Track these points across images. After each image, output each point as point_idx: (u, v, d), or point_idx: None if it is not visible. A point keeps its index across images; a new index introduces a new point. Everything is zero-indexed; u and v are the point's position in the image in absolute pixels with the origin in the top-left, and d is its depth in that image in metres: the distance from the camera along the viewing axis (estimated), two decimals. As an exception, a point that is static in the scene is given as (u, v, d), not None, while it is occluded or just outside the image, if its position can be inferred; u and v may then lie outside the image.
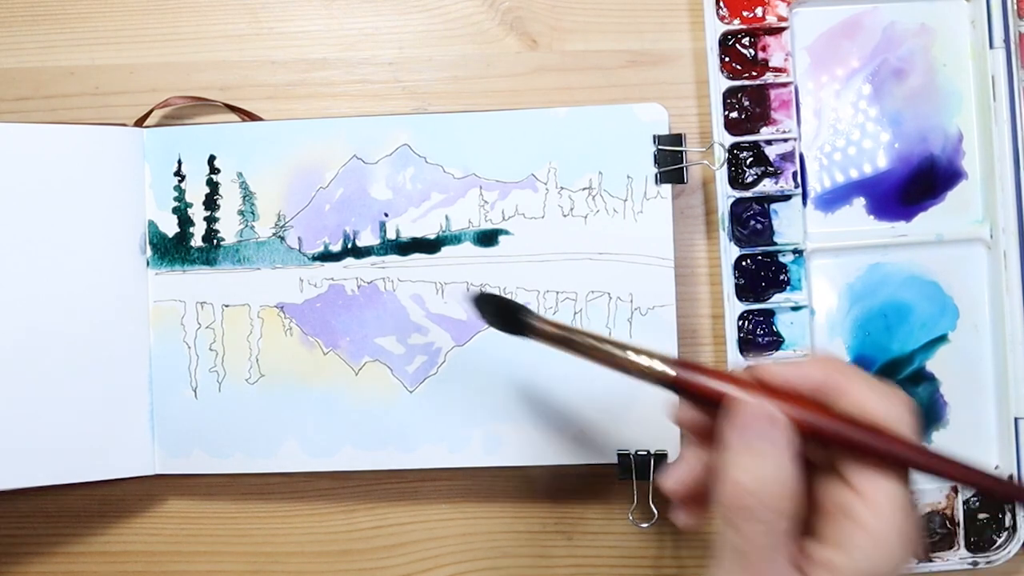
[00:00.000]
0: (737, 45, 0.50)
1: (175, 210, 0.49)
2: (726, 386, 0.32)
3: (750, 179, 0.49)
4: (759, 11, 0.49)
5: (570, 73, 0.51)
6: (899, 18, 0.51)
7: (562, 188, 0.47)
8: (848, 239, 0.50)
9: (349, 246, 0.48)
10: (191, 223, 0.48)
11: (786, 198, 0.49)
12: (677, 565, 0.50)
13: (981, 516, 0.49)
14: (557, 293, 0.47)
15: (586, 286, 0.47)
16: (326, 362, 0.48)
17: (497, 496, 0.50)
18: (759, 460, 0.31)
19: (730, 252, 0.49)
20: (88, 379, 0.47)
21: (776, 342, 0.49)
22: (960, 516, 0.49)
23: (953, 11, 0.50)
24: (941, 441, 0.50)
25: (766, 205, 0.49)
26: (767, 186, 0.49)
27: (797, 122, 0.50)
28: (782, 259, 0.49)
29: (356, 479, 0.51)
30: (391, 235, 0.48)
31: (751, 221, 0.49)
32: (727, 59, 0.50)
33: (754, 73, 0.49)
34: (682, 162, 0.46)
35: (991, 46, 0.49)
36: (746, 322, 0.49)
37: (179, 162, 0.48)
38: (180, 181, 0.48)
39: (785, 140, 0.49)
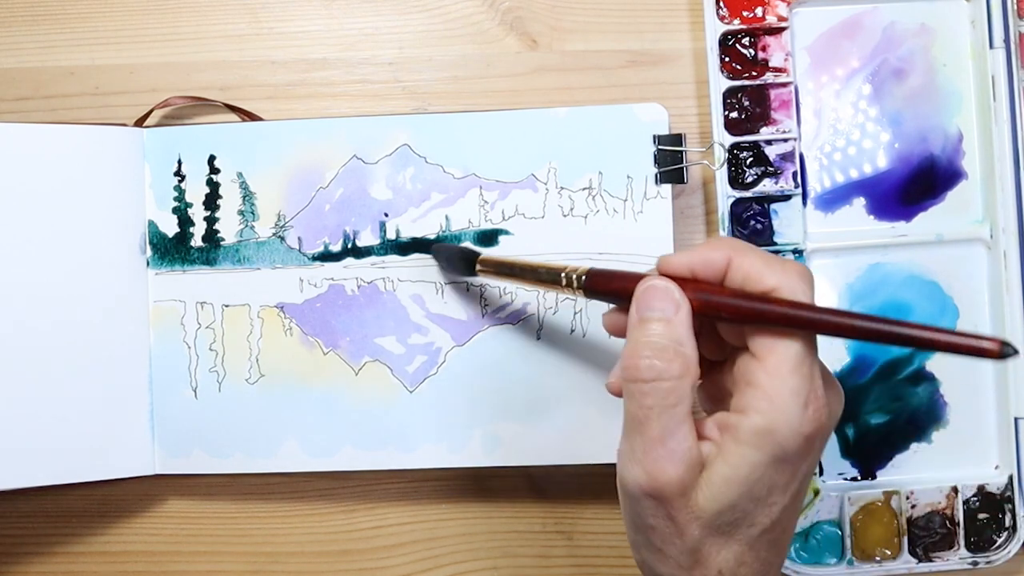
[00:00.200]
0: (737, 45, 0.50)
1: (175, 210, 0.49)
2: (635, 278, 0.34)
3: (750, 179, 0.49)
4: (759, 11, 0.49)
5: (570, 73, 0.51)
6: (899, 18, 0.51)
7: (562, 188, 0.47)
8: (848, 239, 0.50)
9: (349, 246, 0.48)
10: (191, 223, 0.48)
11: (786, 198, 0.49)
12: (677, 565, 0.50)
13: (981, 516, 0.49)
14: (557, 293, 0.47)
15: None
16: (326, 362, 0.48)
17: (497, 496, 0.50)
18: (651, 329, 0.32)
19: (730, 252, 0.49)
20: (88, 379, 0.47)
21: (776, 342, 0.49)
22: (960, 516, 0.49)
23: (953, 11, 0.50)
24: (941, 441, 0.50)
25: (766, 205, 0.49)
26: (767, 186, 0.49)
27: (797, 122, 0.50)
28: (782, 259, 0.49)
29: (356, 479, 0.51)
30: (391, 235, 0.48)
31: (751, 221, 0.49)
32: (727, 59, 0.50)
33: (754, 73, 0.49)
34: (682, 162, 0.46)
35: (991, 46, 0.49)
36: (746, 322, 0.49)
37: (179, 162, 0.48)
38: (180, 181, 0.48)
39: (785, 140, 0.49)
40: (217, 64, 0.51)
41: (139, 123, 0.50)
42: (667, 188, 0.47)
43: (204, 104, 0.51)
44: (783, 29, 0.49)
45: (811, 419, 0.31)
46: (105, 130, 0.48)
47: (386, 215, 0.48)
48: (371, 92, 0.52)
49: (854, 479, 0.50)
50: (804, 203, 0.50)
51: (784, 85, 0.49)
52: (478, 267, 0.43)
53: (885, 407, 0.50)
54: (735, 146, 0.49)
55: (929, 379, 0.50)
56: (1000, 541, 0.49)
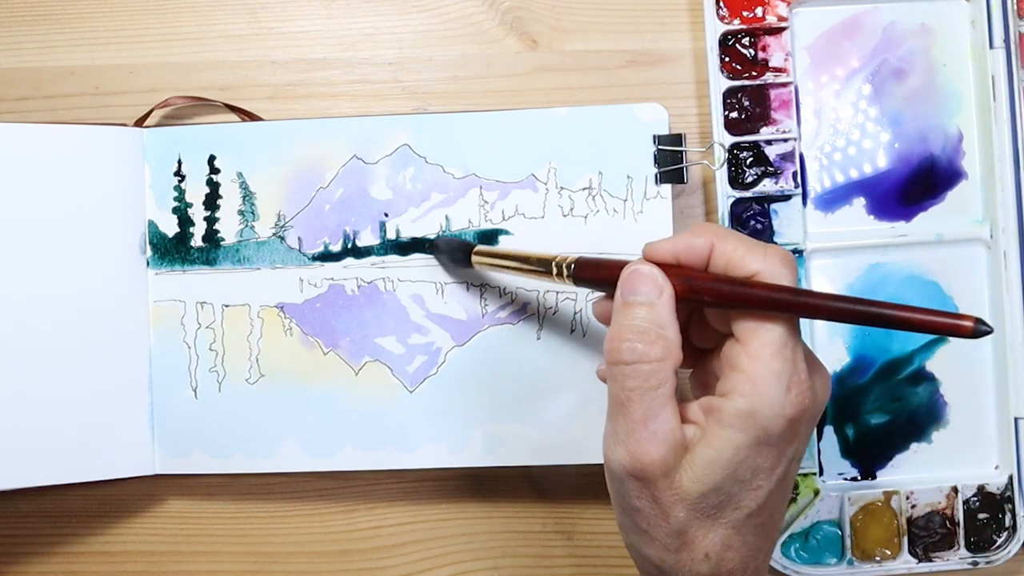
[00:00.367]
0: (737, 45, 0.50)
1: (175, 210, 0.49)
2: (621, 265, 0.35)
3: (750, 179, 0.49)
4: (759, 11, 0.49)
5: (570, 73, 0.51)
6: (899, 18, 0.51)
7: (562, 188, 0.47)
8: (848, 239, 0.50)
9: (349, 246, 0.48)
10: (191, 223, 0.48)
11: (786, 198, 0.49)
12: (677, 565, 0.50)
13: (981, 516, 0.49)
14: (557, 293, 0.47)
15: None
16: (326, 362, 0.48)
17: (497, 496, 0.50)
18: (634, 312, 0.33)
19: (730, 252, 0.49)
20: (88, 379, 0.47)
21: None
22: (960, 516, 0.49)
23: (953, 11, 0.50)
24: (941, 441, 0.50)
25: (766, 205, 0.49)
26: (767, 186, 0.49)
27: (797, 122, 0.50)
28: (782, 259, 0.49)
29: (356, 479, 0.51)
30: (391, 235, 0.48)
31: (751, 221, 0.49)
32: (727, 59, 0.50)
33: (754, 73, 0.49)
34: (682, 162, 0.46)
35: (991, 46, 0.49)
36: (746, 322, 0.49)
37: (179, 162, 0.48)
38: (180, 181, 0.48)
39: (785, 140, 0.49)
40: (217, 64, 0.51)
41: (139, 123, 0.50)
42: (667, 188, 0.47)
43: (204, 104, 0.51)
44: (783, 29, 0.49)
45: (794, 402, 0.32)
46: (105, 130, 0.48)
47: (386, 215, 0.48)
48: (371, 92, 0.52)
49: (854, 479, 0.50)
50: (804, 203, 0.50)
51: (784, 85, 0.49)
52: (474, 258, 0.44)
53: (885, 407, 0.50)
54: (735, 146, 0.49)
55: (929, 379, 0.50)
56: (1000, 541, 0.49)
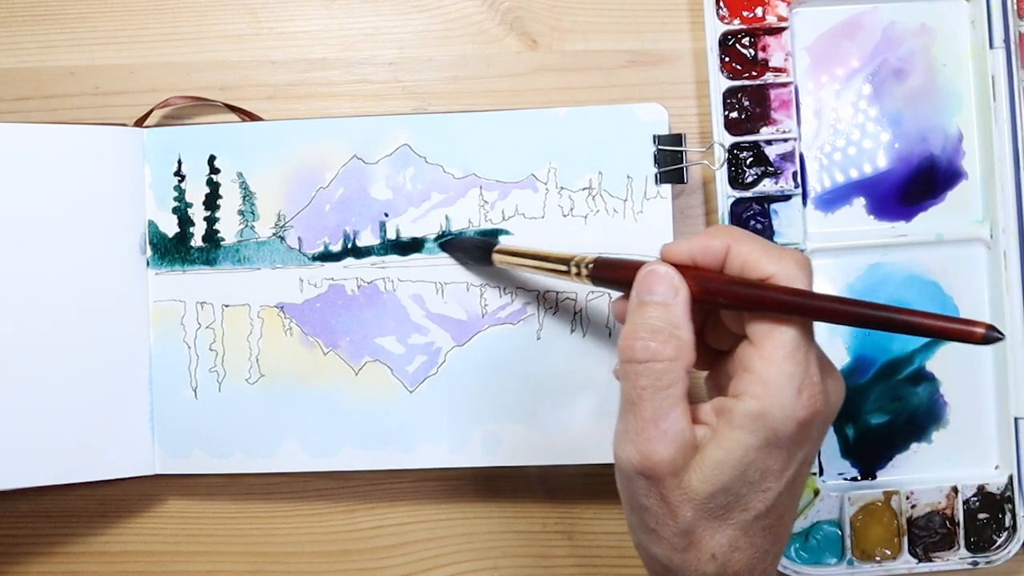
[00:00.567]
0: (737, 45, 0.50)
1: (175, 210, 0.49)
2: (639, 266, 0.35)
3: (750, 179, 0.49)
4: (759, 11, 0.49)
5: (570, 73, 0.51)
6: (899, 18, 0.51)
7: (562, 188, 0.47)
8: (848, 239, 0.50)
9: (349, 246, 0.48)
10: (191, 223, 0.48)
11: (786, 198, 0.49)
12: (677, 565, 0.50)
13: (981, 516, 0.49)
14: (557, 293, 0.47)
15: (586, 286, 0.47)
16: (326, 362, 0.48)
17: (497, 496, 0.50)
18: (649, 312, 0.33)
19: (730, 252, 0.49)
20: (88, 379, 0.47)
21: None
22: (960, 516, 0.49)
23: (953, 11, 0.50)
24: (941, 441, 0.50)
25: (766, 205, 0.49)
26: (767, 186, 0.49)
27: (797, 122, 0.50)
28: (782, 259, 0.49)
29: (356, 479, 0.51)
30: (391, 235, 0.48)
31: (751, 221, 0.49)
32: (727, 59, 0.50)
33: (754, 73, 0.49)
34: (682, 162, 0.46)
35: (991, 46, 0.49)
36: (746, 322, 0.49)
37: (179, 162, 0.48)
38: (180, 181, 0.48)
39: (785, 140, 0.49)
40: (217, 64, 0.51)
41: (139, 123, 0.50)
42: (667, 188, 0.47)
43: (204, 104, 0.51)
44: (783, 29, 0.49)
45: (805, 405, 0.32)
46: (105, 130, 0.48)
47: (386, 215, 0.48)
48: (371, 92, 0.52)
49: (854, 479, 0.50)
50: (804, 203, 0.50)
51: (784, 85, 0.49)
52: (495, 256, 0.44)
53: (885, 407, 0.50)
54: (735, 146, 0.49)
55: (929, 379, 0.50)
56: (1000, 541, 0.49)
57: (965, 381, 0.50)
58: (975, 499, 0.49)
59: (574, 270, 0.39)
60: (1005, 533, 0.49)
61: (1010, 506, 0.49)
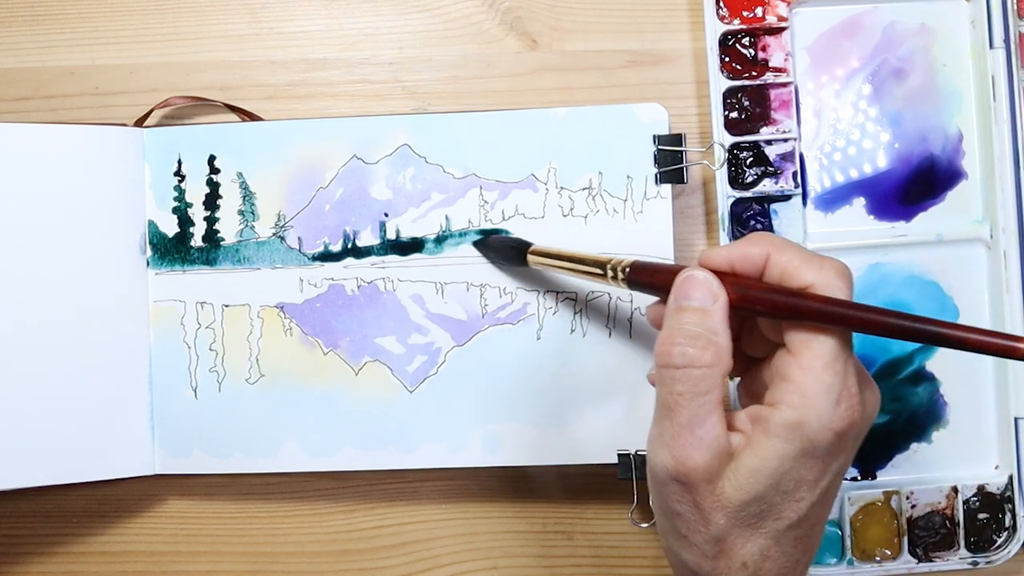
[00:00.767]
0: (737, 45, 0.50)
1: (175, 210, 0.49)
2: (677, 270, 0.35)
3: (750, 179, 0.49)
4: (759, 11, 0.49)
5: (570, 73, 0.51)
6: (899, 18, 0.51)
7: (562, 188, 0.47)
8: (848, 239, 0.50)
9: (349, 246, 0.48)
10: (191, 223, 0.48)
11: (786, 198, 0.49)
12: (677, 565, 0.50)
13: (981, 516, 0.49)
14: (557, 293, 0.47)
15: (586, 286, 0.47)
16: (326, 362, 0.48)
17: (497, 496, 0.50)
18: (686, 317, 0.33)
19: (730, 252, 0.49)
20: (88, 379, 0.47)
21: (776, 342, 0.49)
22: (960, 516, 0.49)
23: (953, 11, 0.50)
24: (941, 441, 0.50)
25: (766, 205, 0.49)
26: (767, 186, 0.49)
27: (797, 122, 0.50)
28: (782, 259, 0.49)
29: (356, 479, 0.51)
30: (391, 235, 0.48)
31: (751, 221, 0.49)
32: (727, 59, 0.50)
33: (754, 73, 0.49)
34: (682, 162, 0.46)
35: (991, 46, 0.49)
36: (746, 322, 0.49)
37: (179, 162, 0.48)
38: (180, 181, 0.48)
39: (785, 140, 0.49)
40: (217, 64, 0.51)
41: (139, 123, 0.50)
42: (667, 188, 0.47)
43: (204, 104, 0.51)
44: (783, 29, 0.49)
45: (843, 416, 0.31)
46: (105, 130, 0.48)
47: (386, 215, 0.48)
48: (371, 92, 0.52)
49: (854, 479, 0.50)
50: (804, 203, 0.50)
51: (784, 85, 0.49)
52: (530, 258, 0.44)
53: (885, 407, 0.50)
54: (735, 146, 0.49)
55: (929, 379, 0.50)
56: (1000, 541, 0.49)
57: (965, 381, 0.50)
58: (975, 499, 0.49)
59: (610, 273, 0.39)
60: (1005, 533, 0.49)
61: (1010, 506, 0.49)
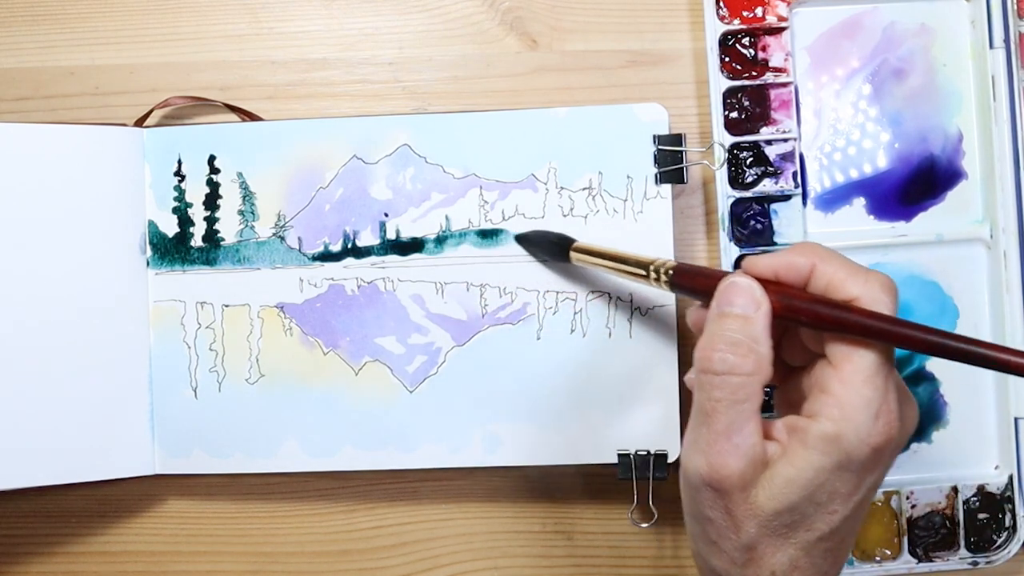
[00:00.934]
0: (737, 45, 0.50)
1: (175, 210, 0.49)
2: (720, 275, 0.34)
3: (750, 179, 0.49)
4: (759, 11, 0.49)
5: (570, 73, 0.51)
6: (899, 18, 0.51)
7: (562, 188, 0.47)
8: (848, 239, 0.50)
9: (349, 246, 0.48)
10: (191, 223, 0.48)
11: (786, 198, 0.49)
12: (677, 565, 0.50)
13: (981, 516, 0.49)
14: (557, 293, 0.47)
15: (586, 286, 0.47)
16: (326, 362, 0.48)
17: (497, 496, 0.50)
18: (728, 324, 0.33)
19: (730, 252, 0.49)
20: (88, 379, 0.47)
21: (776, 342, 0.49)
22: (960, 516, 0.49)
23: (953, 11, 0.50)
24: (941, 441, 0.50)
25: (766, 205, 0.49)
26: (767, 186, 0.49)
27: (797, 122, 0.50)
28: (782, 259, 0.49)
29: (356, 479, 0.51)
30: (391, 235, 0.48)
31: (751, 221, 0.49)
32: (727, 59, 0.50)
33: (754, 73, 0.49)
34: (682, 162, 0.46)
35: (991, 46, 0.49)
36: (746, 322, 0.49)
37: (179, 162, 0.48)
38: (180, 181, 0.48)
39: (785, 140, 0.49)
40: (217, 64, 0.51)
41: (139, 123, 0.50)
42: (667, 188, 0.47)
43: (204, 104, 0.51)
44: (783, 29, 0.49)
45: (881, 431, 0.31)
46: (105, 130, 0.48)
47: (386, 215, 0.48)
48: (371, 92, 0.52)
49: (854, 479, 0.50)
50: (804, 203, 0.50)
51: (784, 85, 0.49)
52: (573, 254, 0.44)
53: (885, 407, 0.50)
54: (735, 146, 0.49)
55: (929, 379, 0.50)
56: (1000, 541, 0.49)
57: (965, 381, 0.50)
58: (975, 499, 0.49)
59: (653, 275, 0.38)
60: (1005, 533, 0.49)
61: (1010, 506, 0.49)
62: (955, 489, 0.49)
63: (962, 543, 0.49)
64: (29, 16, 0.52)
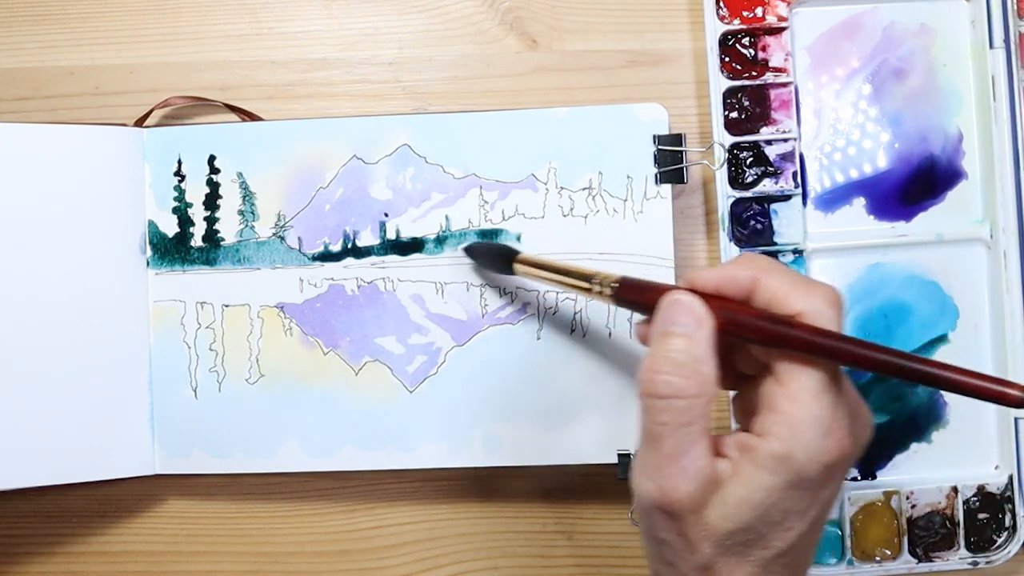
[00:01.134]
0: (737, 45, 0.50)
1: (175, 210, 0.49)
2: (663, 291, 0.34)
3: (750, 179, 0.49)
4: (759, 11, 0.49)
5: (570, 73, 0.51)
6: (899, 18, 0.51)
7: (562, 188, 0.47)
8: (848, 239, 0.50)
9: (349, 246, 0.48)
10: (191, 223, 0.49)
11: (786, 198, 0.49)
12: (677, 565, 0.50)
13: (981, 516, 0.49)
14: (557, 293, 0.47)
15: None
16: (326, 362, 0.48)
17: (497, 496, 0.50)
18: (671, 344, 0.32)
19: (730, 252, 0.49)
20: (88, 379, 0.47)
21: (776, 342, 0.49)
22: (960, 516, 0.49)
23: (953, 11, 0.50)
24: (941, 441, 0.50)
25: (766, 205, 0.49)
26: (767, 186, 0.49)
27: (797, 122, 0.50)
28: (782, 259, 0.49)
29: (356, 479, 0.51)
30: (391, 235, 0.48)
31: (751, 221, 0.49)
32: (727, 59, 0.50)
33: (754, 73, 0.49)
34: (682, 162, 0.46)
35: (991, 46, 0.49)
36: (746, 322, 0.49)
37: (179, 162, 0.49)
38: (180, 181, 0.49)
39: (785, 140, 0.49)
40: (217, 64, 0.51)
41: (139, 123, 0.50)
42: (667, 188, 0.47)
43: (204, 104, 0.51)
44: (783, 29, 0.49)
45: (832, 448, 0.31)
46: (105, 130, 0.48)
47: (386, 215, 0.48)
48: (371, 92, 0.52)
49: (854, 479, 0.50)
50: (804, 203, 0.50)
51: (784, 85, 0.49)
52: (516, 266, 0.44)
53: (885, 407, 0.50)
54: (735, 146, 0.49)
55: (929, 379, 0.50)
56: (1000, 541, 0.49)
57: (965, 381, 0.50)
58: (975, 499, 0.49)
59: (596, 288, 0.37)
60: (1005, 533, 0.49)
61: (1010, 506, 0.49)
62: (955, 489, 0.49)
63: (962, 543, 0.49)
64: (29, 16, 0.52)
